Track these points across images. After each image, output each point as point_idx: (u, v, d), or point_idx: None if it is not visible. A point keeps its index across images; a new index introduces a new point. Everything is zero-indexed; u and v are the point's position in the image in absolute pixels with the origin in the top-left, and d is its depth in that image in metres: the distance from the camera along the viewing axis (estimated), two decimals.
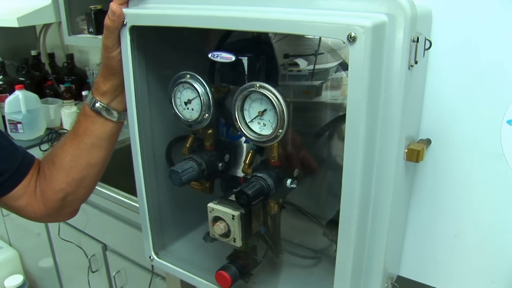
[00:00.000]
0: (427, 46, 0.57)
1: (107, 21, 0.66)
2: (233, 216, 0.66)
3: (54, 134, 1.96)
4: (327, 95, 0.78)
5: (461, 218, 0.67)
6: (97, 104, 0.74)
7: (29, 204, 0.79)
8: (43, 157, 0.83)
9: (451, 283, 0.71)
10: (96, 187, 1.49)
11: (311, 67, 0.76)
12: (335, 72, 0.76)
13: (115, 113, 0.75)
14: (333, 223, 0.67)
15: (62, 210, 0.82)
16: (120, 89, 0.73)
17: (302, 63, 0.78)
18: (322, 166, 0.76)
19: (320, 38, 0.72)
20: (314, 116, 0.80)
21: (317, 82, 0.78)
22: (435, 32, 0.62)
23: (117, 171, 1.47)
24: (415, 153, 0.60)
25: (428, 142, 0.66)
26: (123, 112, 0.75)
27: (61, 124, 2.06)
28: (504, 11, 0.58)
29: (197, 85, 0.66)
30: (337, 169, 0.54)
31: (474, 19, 0.60)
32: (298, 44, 0.77)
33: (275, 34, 0.71)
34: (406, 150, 0.60)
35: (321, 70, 0.76)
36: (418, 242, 0.72)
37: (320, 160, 0.75)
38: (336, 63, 0.75)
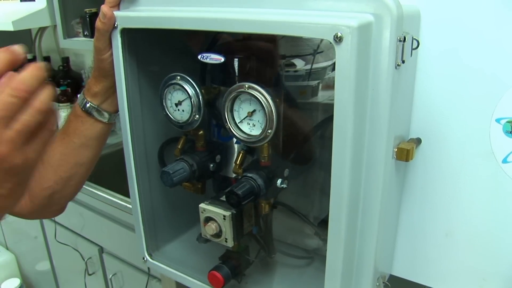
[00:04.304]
0: (414, 46, 0.58)
1: (98, 23, 0.67)
2: (224, 216, 0.66)
3: None
4: (323, 95, 0.79)
5: (452, 217, 0.67)
6: (88, 105, 0.74)
7: None
8: None
9: (443, 281, 0.71)
10: (92, 190, 1.51)
11: (307, 67, 0.77)
12: (332, 72, 0.77)
13: (106, 114, 0.75)
14: (325, 223, 0.67)
15: (49, 207, 0.82)
16: (111, 90, 0.73)
17: (299, 63, 0.78)
18: (314, 166, 0.77)
19: (321, 40, 0.72)
20: (311, 116, 0.80)
21: (313, 82, 0.78)
22: (423, 32, 0.62)
23: (113, 174, 1.47)
24: (404, 152, 0.60)
25: (418, 141, 0.66)
26: (113, 113, 0.76)
27: (57, 127, 2.06)
28: (494, 12, 0.58)
29: (187, 87, 0.66)
30: (329, 168, 0.54)
31: (463, 20, 0.60)
32: (294, 45, 0.77)
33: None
34: (396, 149, 0.60)
35: (317, 69, 0.77)
36: (410, 241, 0.72)
37: (311, 159, 0.76)
38: (332, 62, 0.76)
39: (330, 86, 0.78)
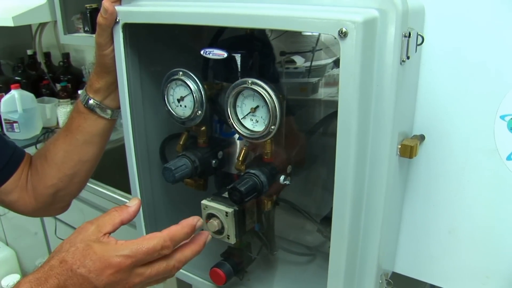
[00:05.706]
0: (419, 42, 0.57)
1: (99, 18, 0.66)
2: (226, 213, 0.66)
3: (50, 133, 1.96)
4: (323, 92, 0.78)
5: (455, 214, 0.67)
6: (91, 101, 0.74)
7: (20, 199, 0.79)
8: (36, 152, 0.83)
9: (446, 278, 0.71)
10: (93, 186, 1.51)
11: (307, 64, 0.76)
12: (332, 69, 0.76)
13: (108, 111, 0.75)
14: (327, 220, 0.67)
15: (53, 205, 0.82)
16: (113, 86, 0.73)
17: (299, 60, 0.78)
18: (316, 163, 0.76)
19: (319, 35, 0.72)
20: (311, 113, 0.80)
21: (313, 79, 0.78)
22: (428, 28, 0.62)
23: (114, 170, 1.47)
24: (408, 149, 0.60)
25: (422, 138, 0.66)
26: (116, 109, 0.75)
27: (58, 123, 2.06)
28: (498, 8, 0.58)
29: (189, 82, 0.66)
30: (332, 165, 0.54)
31: (467, 16, 0.59)
32: (294, 42, 0.76)
33: (272, 31, 0.71)
34: (400, 146, 0.60)
35: (318, 67, 0.76)
36: (413, 238, 0.72)
37: (314, 156, 0.75)
38: (332, 59, 0.75)
39: (330, 83, 0.77)
